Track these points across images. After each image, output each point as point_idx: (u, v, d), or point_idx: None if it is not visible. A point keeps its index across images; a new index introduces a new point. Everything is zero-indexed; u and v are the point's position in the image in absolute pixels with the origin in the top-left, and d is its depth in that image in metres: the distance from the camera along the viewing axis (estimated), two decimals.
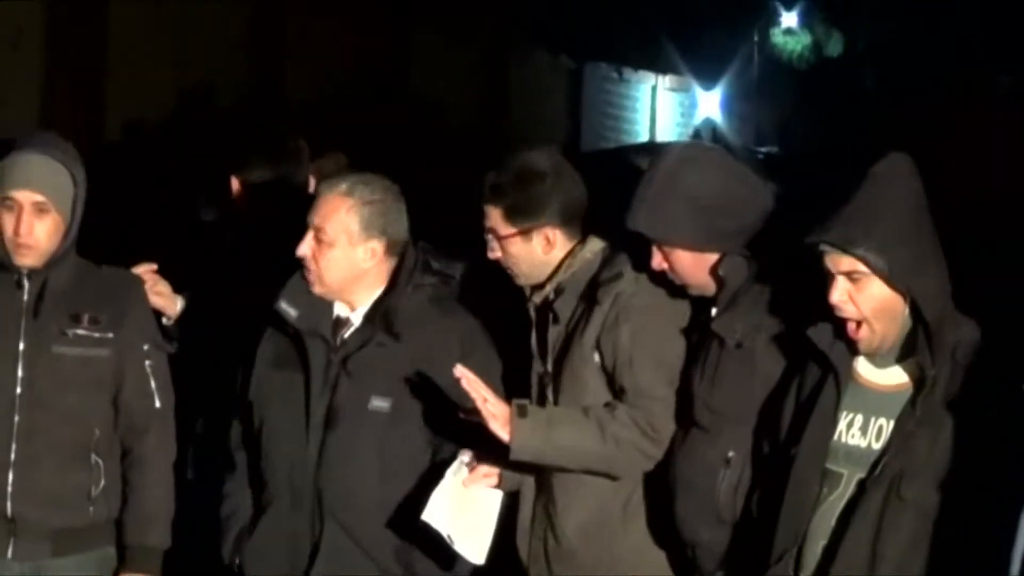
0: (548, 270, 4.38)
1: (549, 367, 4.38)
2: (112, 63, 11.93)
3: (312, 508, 4.41)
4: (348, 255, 4.38)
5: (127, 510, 4.49)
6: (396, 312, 4.39)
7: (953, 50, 22.88)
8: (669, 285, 4.22)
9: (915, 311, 3.63)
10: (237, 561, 4.55)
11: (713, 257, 4.12)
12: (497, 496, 4.33)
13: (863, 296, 3.63)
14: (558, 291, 4.33)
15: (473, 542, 4.26)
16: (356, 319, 4.46)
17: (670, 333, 4.22)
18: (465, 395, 4.13)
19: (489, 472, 4.31)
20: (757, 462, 3.99)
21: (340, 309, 4.47)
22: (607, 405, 4.21)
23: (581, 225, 4.38)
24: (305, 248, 4.38)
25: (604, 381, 4.25)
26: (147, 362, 4.48)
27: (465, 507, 4.26)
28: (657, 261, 4.17)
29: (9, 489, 4.31)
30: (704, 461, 4.08)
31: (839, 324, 3.70)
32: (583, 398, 4.25)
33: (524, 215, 4.32)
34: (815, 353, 3.77)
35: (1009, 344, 3.44)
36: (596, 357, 4.23)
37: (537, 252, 4.35)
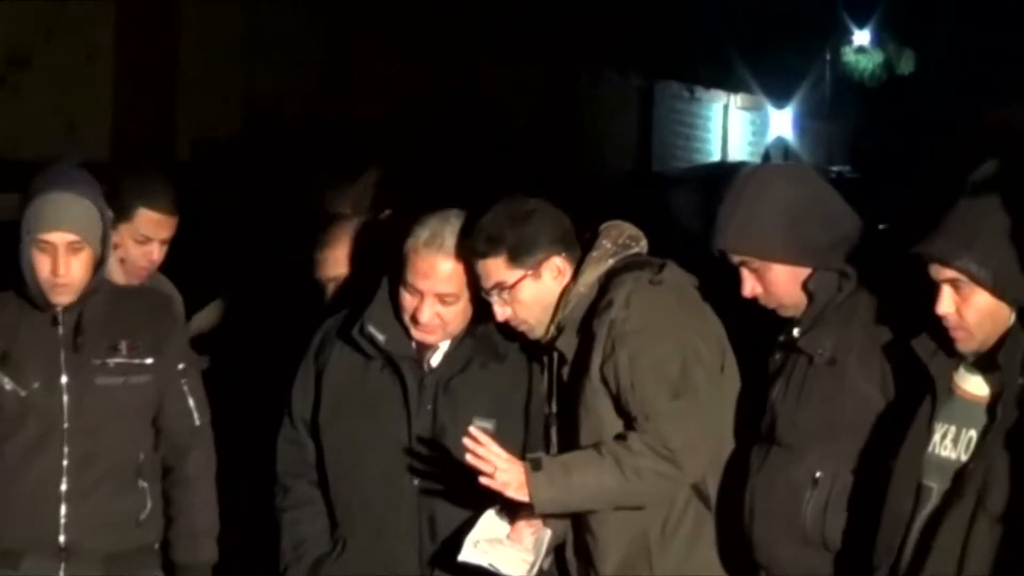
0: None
1: (554, 407, 4.31)
2: (182, 80, 11.97)
3: (415, 532, 4.38)
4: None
5: (175, 528, 4.52)
6: (495, 332, 4.35)
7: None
8: (669, 305, 4.16)
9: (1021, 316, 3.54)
10: None
11: (806, 272, 4.03)
12: (545, 532, 4.22)
13: (969, 306, 3.55)
14: (559, 329, 4.25)
15: (516, 563, 4.14)
16: (443, 341, 4.40)
17: (667, 350, 4.12)
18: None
19: (532, 522, 4.21)
20: (857, 481, 3.90)
21: None
22: (619, 437, 4.13)
23: (579, 249, 4.28)
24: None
25: (617, 411, 4.16)
26: (184, 381, 4.52)
27: (504, 543, 4.17)
28: (749, 288, 4.06)
29: (62, 521, 4.34)
30: (788, 480, 4.00)
31: (940, 328, 3.61)
32: (602, 432, 4.17)
33: (528, 253, 4.21)
34: (916, 365, 3.67)
35: None
36: (604, 388, 4.16)
37: (550, 287, 4.25)
